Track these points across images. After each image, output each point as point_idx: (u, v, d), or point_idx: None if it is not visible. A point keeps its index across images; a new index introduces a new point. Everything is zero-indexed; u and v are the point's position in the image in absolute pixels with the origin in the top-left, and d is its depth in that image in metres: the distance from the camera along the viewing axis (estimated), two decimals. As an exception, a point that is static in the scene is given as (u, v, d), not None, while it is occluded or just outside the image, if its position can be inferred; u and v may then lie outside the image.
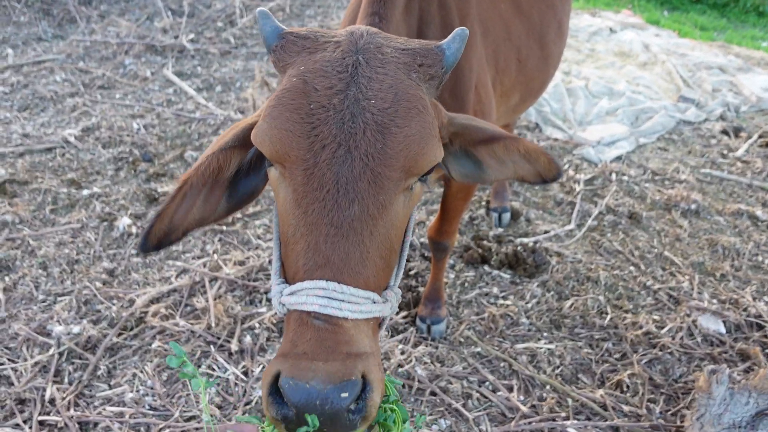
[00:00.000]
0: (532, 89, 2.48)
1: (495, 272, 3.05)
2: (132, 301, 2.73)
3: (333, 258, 0.92)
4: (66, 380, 2.37)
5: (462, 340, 2.66)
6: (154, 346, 2.52)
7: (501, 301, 2.86)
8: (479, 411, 2.34)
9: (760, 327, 2.78)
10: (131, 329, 2.60)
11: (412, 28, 1.65)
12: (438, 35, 1.72)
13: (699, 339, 2.70)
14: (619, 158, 4.26)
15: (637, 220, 3.53)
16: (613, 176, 3.98)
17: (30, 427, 2.17)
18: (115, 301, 2.74)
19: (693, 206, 3.66)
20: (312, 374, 0.84)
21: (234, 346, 2.51)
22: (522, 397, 2.40)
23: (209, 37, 5.97)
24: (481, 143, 1.27)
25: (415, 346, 2.60)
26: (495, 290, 2.93)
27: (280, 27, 1.11)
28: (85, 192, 3.51)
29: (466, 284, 2.97)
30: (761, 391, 2.13)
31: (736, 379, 2.38)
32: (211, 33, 6.06)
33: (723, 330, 2.76)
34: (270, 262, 3.01)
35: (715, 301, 2.93)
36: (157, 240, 1.20)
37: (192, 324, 2.61)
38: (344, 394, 0.84)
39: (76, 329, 2.56)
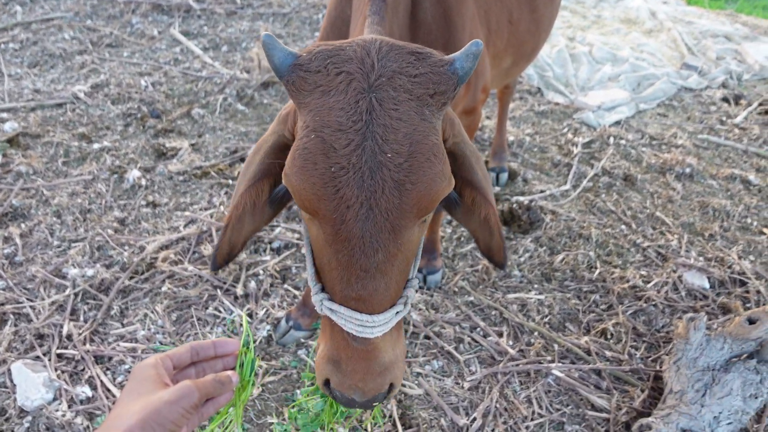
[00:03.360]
0: (524, 52, 2.54)
1: (490, 228, 3.16)
2: (142, 248, 2.86)
3: (364, 295, 1.08)
4: (81, 318, 2.52)
5: (456, 289, 2.79)
6: (164, 289, 2.66)
7: (495, 255, 2.98)
8: (470, 354, 2.48)
9: (743, 283, 2.90)
10: (142, 273, 2.74)
11: None
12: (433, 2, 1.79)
13: (683, 293, 2.83)
14: (618, 123, 4.32)
15: (632, 182, 3.62)
16: (611, 140, 4.05)
17: (49, 359, 2.32)
18: (126, 247, 2.87)
19: (687, 170, 3.74)
20: (353, 392, 1.14)
21: (239, 291, 2.65)
22: (511, 342, 2.54)
23: (215, -2, 5.97)
24: (462, 180, 1.30)
25: (411, 293, 2.73)
26: (490, 245, 3.04)
27: (288, 56, 1.08)
28: (96, 146, 3.61)
29: (462, 239, 3.09)
30: (735, 337, 2.26)
31: (714, 328, 2.51)
32: (217, -7, 6.06)
33: (707, 285, 2.88)
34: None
35: (701, 258, 3.05)
36: (223, 260, 1.36)
37: (200, 269, 2.75)
38: (375, 403, 1.18)
39: (90, 272, 2.70)
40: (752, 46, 5.71)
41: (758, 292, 2.83)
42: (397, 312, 1.15)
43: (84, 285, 2.63)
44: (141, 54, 4.85)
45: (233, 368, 1.21)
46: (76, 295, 2.61)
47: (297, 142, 1.05)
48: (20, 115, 3.87)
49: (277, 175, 1.27)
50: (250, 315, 2.57)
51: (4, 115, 3.86)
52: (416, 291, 1.30)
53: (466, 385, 2.33)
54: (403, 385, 2.30)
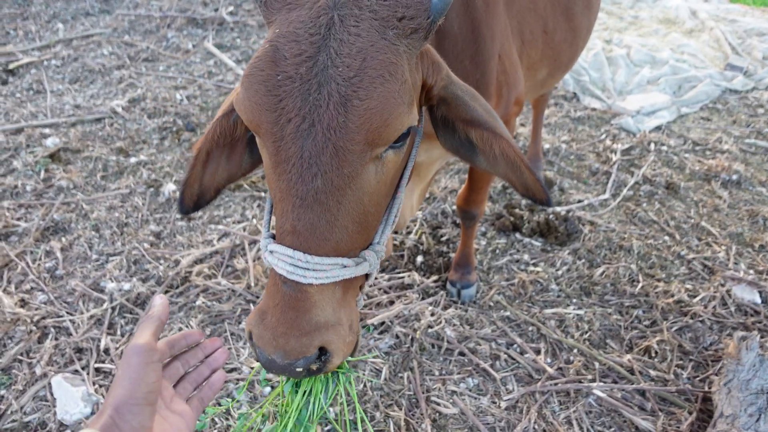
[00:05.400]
0: (560, 63, 2.45)
1: (526, 240, 3.08)
2: (177, 262, 2.89)
3: (298, 227, 0.98)
4: (119, 332, 2.56)
5: (491, 304, 2.72)
6: (198, 303, 2.67)
7: (531, 268, 2.90)
8: (506, 371, 2.41)
9: (798, 298, 2.74)
10: (177, 287, 2.77)
11: None
12: (459, 8, 1.72)
13: (732, 308, 2.69)
14: (658, 128, 4.18)
15: (675, 191, 3.48)
16: (652, 146, 3.91)
17: (88, 373, 2.36)
18: (161, 261, 2.91)
19: (734, 177, 3.57)
20: (273, 350, 1.01)
21: (272, 305, 2.64)
22: (549, 360, 2.45)
23: (248, 10, 6.05)
24: (462, 122, 1.23)
25: (445, 308, 2.67)
26: (526, 257, 2.96)
27: None
28: (133, 160, 3.68)
29: (497, 251, 3.01)
30: (792, 358, 2.12)
31: (767, 347, 2.37)
32: (250, 5, 6.14)
33: (758, 300, 2.73)
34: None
35: (752, 271, 2.90)
36: (192, 203, 1.30)
37: (233, 283, 2.76)
38: (299, 369, 1.02)
39: (126, 286, 2.74)
40: (801, 45, 5.45)
41: (815, 307, 2.67)
42: (345, 266, 1.04)
43: (121, 299, 2.67)
44: (176, 68, 4.94)
45: (215, 363, 1.25)
46: (113, 309, 2.64)
47: (257, 54, 1.02)
48: (61, 131, 3.98)
49: None
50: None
51: (47, 130, 3.97)
52: (380, 258, 1.17)
53: (503, 404, 2.26)
54: (437, 404, 2.25)
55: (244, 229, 3.10)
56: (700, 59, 5.18)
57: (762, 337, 2.54)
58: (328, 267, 1.01)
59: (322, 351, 1.05)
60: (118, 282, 2.77)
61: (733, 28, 5.81)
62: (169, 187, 3.39)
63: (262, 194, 3.39)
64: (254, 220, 3.17)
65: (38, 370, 2.35)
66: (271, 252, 1.03)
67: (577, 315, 2.64)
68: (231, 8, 6.00)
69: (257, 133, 1.03)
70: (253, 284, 2.74)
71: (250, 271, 2.80)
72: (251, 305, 2.66)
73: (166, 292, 2.74)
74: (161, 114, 4.19)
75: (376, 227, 1.15)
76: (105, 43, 5.34)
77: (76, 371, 2.37)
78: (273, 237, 1.09)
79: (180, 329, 2.55)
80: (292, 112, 0.95)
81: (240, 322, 2.59)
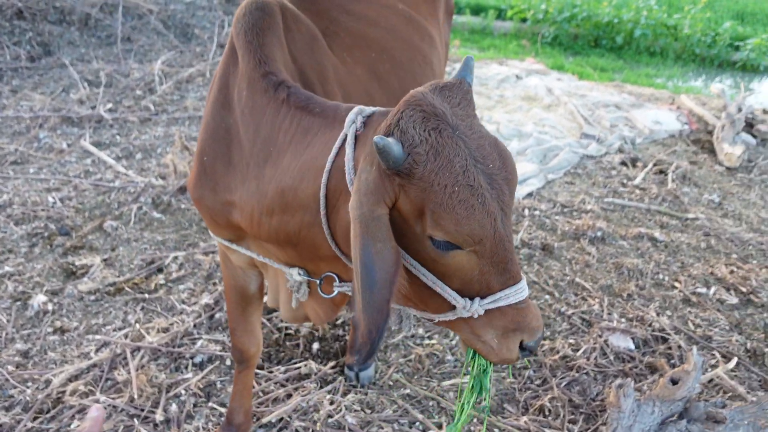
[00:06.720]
0: None
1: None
2: (48, 382, 2.62)
3: (517, 269, 1.34)
4: (-25, 475, 2.23)
5: (391, 383, 2.71)
6: (73, 426, 2.42)
7: (426, 341, 2.95)
8: (411, 452, 2.37)
9: (665, 340, 3.00)
10: (48, 411, 2.49)
11: None
12: None
13: (611, 357, 2.88)
14: (530, 194, 4.55)
15: (550, 251, 3.75)
16: (526, 212, 4.24)
17: None
18: (29, 384, 2.62)
19: (599, 233, 3.93)
20: (539, 334, 1.39)
21: (159, 417, 2.45)
22: (451, 434, 2.45)
23: (128, 106, 5.96)
24: None
25: (345, 395, 2.62)
26: (420, 331, 3.02)
27: (398, 144, 1.20)
28: (-4, 272, 3.37)
29: (393, 328, 3.04)
30: (663, 399, 2.29)
31: (644, 390, 2.55)
32: (130, 101, 6.06)
33: (632, 346, 2.95)
34: (195, 325, 2.98)
35: (623, 320, 3.14)
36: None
37: (113, 398, 2.53)
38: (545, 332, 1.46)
39: (-15, 418, 2.42)
40: (639, 113, 6.28)
41: (679, 347, 2.94)
42: None
43: (-22, 435, 2.35)
44: (49, 169, 4.69)
45: None
46: (-32, 448, 2.32)
47: (450, 197, 1.20)
48: None
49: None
50: (171, 443, 2.37)
51: None
52: None
53: (410, 488, 2.21)
54: (343, 500, 2.15)
55: (126, 336, 2.90)
56: (559, 130, 5.79)
57: (639, 381, 2.73)
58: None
59: None
60: (-25, 415, 2.44)
61: (583, 102, 6.60)
62: (39, 299, 3.12)
63: (146, 296, 3.21)
64: (137, 325, 2.97)
65: None
66: (498, 299, 1.31)
67: (474, 383, 2.69)
68: (110, 105, 5.88)
69: (477, 242, 1.25)
70: (136, 396, 2.54)
71: (133, 382, 2.59)
72: (135, 420, 2.45)
73: (35, 418, 2.45)
74: (30, 219, 3.92)
75: None
76: (-34, 148, 4.98)
77: None
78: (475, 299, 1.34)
79: (50, 460, 2.28)
80: (494, 212, 1.24)
81: (122, 442, 2.36)
